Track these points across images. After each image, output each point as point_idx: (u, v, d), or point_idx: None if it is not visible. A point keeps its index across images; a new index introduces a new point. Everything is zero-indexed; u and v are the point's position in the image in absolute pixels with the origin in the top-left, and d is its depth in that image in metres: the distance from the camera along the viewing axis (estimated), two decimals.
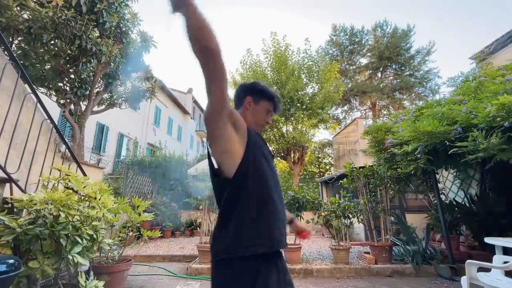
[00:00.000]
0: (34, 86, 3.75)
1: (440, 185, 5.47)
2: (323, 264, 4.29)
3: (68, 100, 5.43)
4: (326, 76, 10.96)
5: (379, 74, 21.10)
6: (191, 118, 22.01)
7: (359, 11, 42.86)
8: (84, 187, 2.58)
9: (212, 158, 1.00)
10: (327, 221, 4.85)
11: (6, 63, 2.51)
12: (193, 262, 4.37)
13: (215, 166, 1.00)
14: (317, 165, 22.07)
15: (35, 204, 2.06)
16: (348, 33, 20.37)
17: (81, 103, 5.80)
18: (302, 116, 10.79)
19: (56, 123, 3.33)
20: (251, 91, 1.19)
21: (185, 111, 20.43)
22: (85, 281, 2.35)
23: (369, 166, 5.14)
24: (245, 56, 11.74)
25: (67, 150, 3.34)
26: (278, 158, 12.26)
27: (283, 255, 1.07)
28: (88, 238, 2.30)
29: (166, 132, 17.40)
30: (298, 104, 10.69)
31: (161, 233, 4.04)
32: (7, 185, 2.29)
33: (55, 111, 6.07)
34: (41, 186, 2.51)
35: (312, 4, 49.56)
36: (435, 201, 4.95)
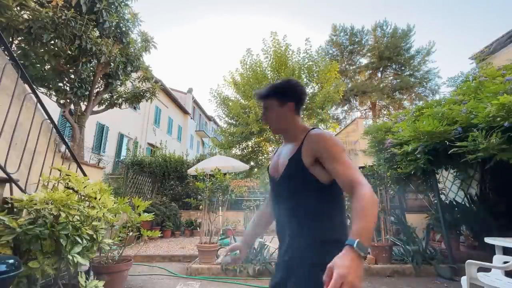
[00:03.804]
0: (34, 86, 3.74)
1: (440, 185, 5.47)
2: None
3: (68, 100, 5.43)
4: (326, 76, 10.95)
5: (379, 74, 21.08)
6: (191, 118, 22.01)
7: (359, 11, 42.89)
8: (84, 187, 2.58)
9: None
10: None
11: (6, 63, 2.51)
12: (193, 262, 4.37)
13: None
14: None
15: (35, 204, 2.06)
16: (348, 33, 20.35)
17: (81, 103, 5.80)
18: (302, 116, 10.79)
19: (56, 123, 3.33)
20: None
21: (185, 111, 20.44)
22: (85, 281, 2.35)
23: (369, 166, 5.14)
24: (245, 56, 11.71)
25: (67, 150, 3.33)
26: None
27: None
28: (88, 238, 2.29)
29: (166, 132, 17.41)
30: None
31: (161, 233, 4.04)
32: (7, 185, 2.29)
33: (55, 111, 6.07)
34: (41, 186, 2.51)
35: (312, 4, 49.56)
36: (435, 201, 4.95)
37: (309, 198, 1.01)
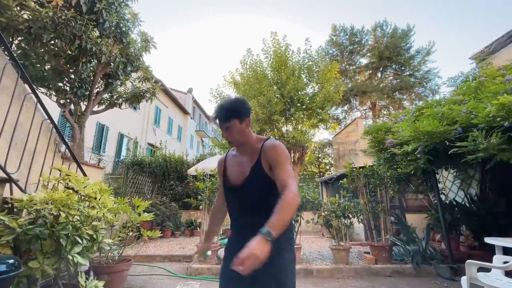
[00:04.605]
0: (34, 86, 3.74)
1: (440, 185, 5.46)
2: (323, 264, 4.29)
3: (68, 100, 5.43)
4: (326, 76, 10.94)
5: (379, 74, 21.07)
6: (191, 118, 22.01)
7: (359, 11, 42.92)
8: (84, 187, 2.58)
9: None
10: (327, 221, 4.84)
11: (6, 63, 2.51)
12: (193, 262, 4.37)
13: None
14: (317, 165, 22.03)
15: (35, 204, 2.06)
16: (348, 33, 20.33)
17: (81, 103, 5.80)
18: (302, 116, 10.76)
19: (56, 123, 3.33)
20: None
21: (185, 111, 20.43)
22: (85, 281, 2.35)
23: (369, 166, 5.13)
24: (245, 56, 11.70)
25: (67, 150, 3.33)
26: None
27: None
28: (88, 238, 2.30)
29: (166, 132, 17.40)
30: (298, 104, 10.67)
31: (161, 233, 4.03)
32: (7, 185, 2.29)
33: (55, 111, 6.07)
34: (41, 186, 2.51)
35: (312, 4, 49.60)
36: (435, 201, 4.95)
37: (270, 198, 1.17)
